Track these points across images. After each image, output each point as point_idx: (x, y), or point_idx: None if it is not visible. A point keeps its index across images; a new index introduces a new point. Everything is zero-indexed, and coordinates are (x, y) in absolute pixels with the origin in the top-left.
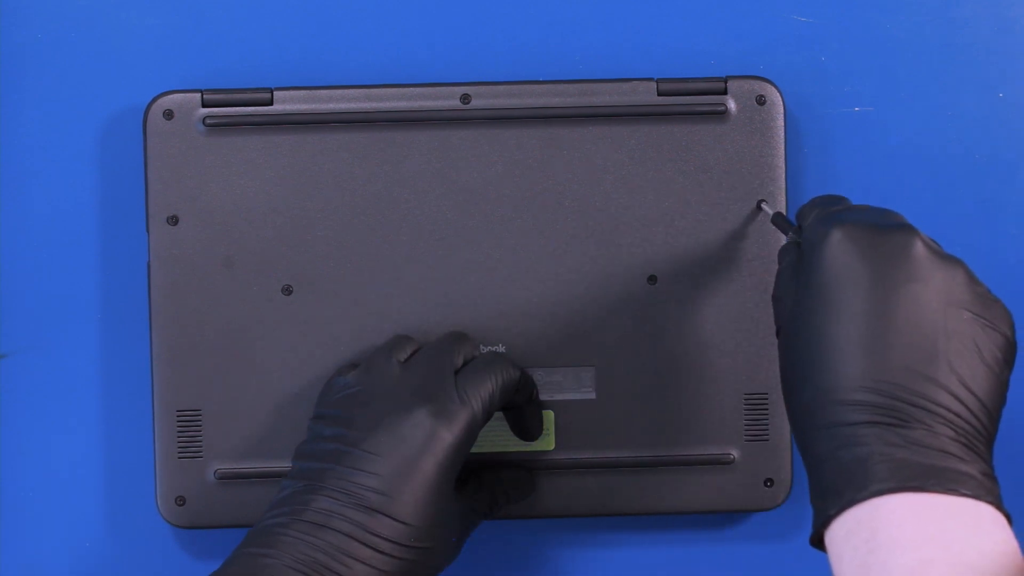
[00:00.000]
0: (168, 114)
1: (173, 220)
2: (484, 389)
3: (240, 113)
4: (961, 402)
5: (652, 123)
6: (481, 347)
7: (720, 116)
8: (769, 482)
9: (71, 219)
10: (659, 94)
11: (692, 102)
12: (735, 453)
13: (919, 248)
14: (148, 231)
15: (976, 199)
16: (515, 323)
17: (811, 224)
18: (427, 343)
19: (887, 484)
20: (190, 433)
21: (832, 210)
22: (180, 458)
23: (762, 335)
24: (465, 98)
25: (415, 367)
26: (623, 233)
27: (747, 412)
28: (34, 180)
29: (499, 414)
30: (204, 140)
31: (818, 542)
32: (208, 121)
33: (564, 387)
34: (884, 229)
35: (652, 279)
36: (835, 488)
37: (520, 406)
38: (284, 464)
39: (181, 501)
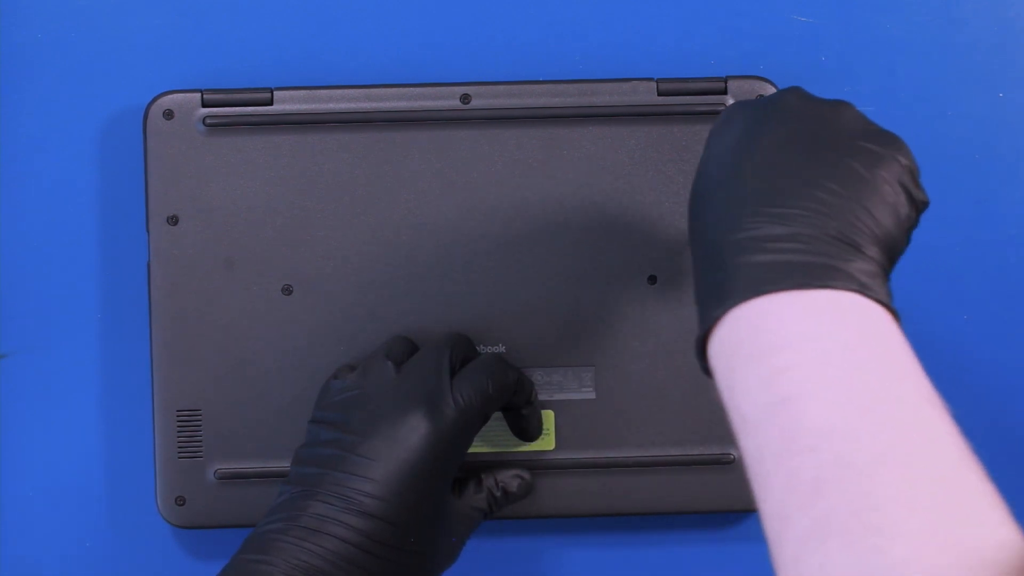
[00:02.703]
0: (168, 114)
1: (173, 220)
2: (481, 392)
3: (240, 113)
4: (846, 208)
5: (652, 123)
6: (481, 347)
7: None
8: None
9: (71, 219)
10: (659, 94)
11: (692, 102)
12: (735, 453)
13: (803, 94)
14: (148, 231)
15: (976, 199)
16: (515, 323)
17: None
18: (425, 344)
19: (742, 293)
20: (190, 433)
21: None
22: (180, 458)
23: None
24: (465, 98)
25: (412, 370)
26: (623, 233)
27: None
28: (34, 180)
29: (499, 414)
30: (204, 140)
31: (709, 373)
32: (208, 121)
33: (564, 387)
34: (770, 95)
35: (652, 279)
36: (706, 311)
37: (519, 407)
38: (284, 464)
39: (181, 501)
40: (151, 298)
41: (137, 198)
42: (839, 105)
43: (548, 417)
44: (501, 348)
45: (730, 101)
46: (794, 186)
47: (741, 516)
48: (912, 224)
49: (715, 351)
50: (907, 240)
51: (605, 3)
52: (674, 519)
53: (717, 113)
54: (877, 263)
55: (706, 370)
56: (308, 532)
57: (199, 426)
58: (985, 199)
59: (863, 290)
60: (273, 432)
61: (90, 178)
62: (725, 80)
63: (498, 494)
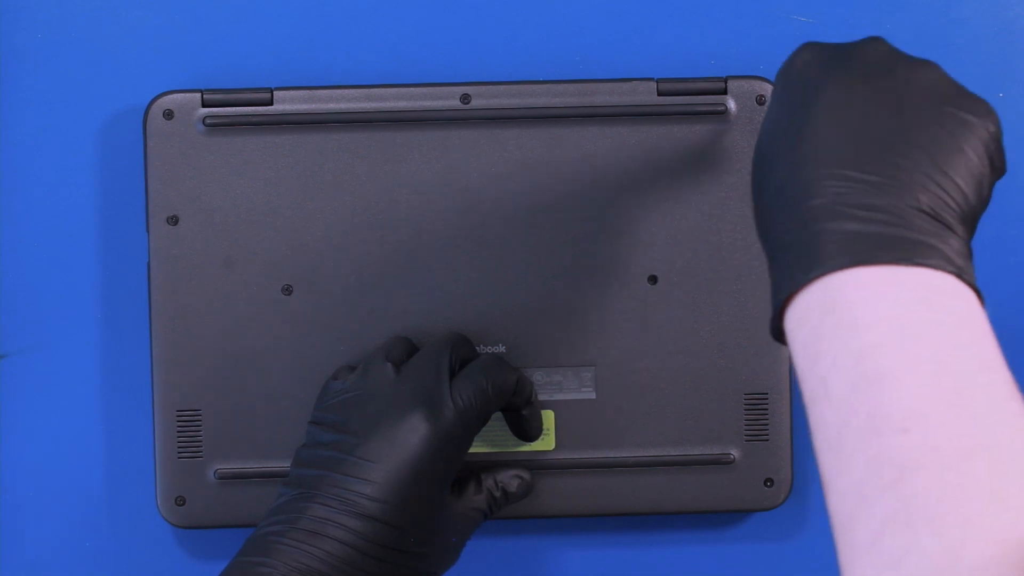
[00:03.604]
0: (168, 114)
1: (173, 220)
2: (480, 393)
3: (240, 113)
4: (935, 181)
5: (652, 123)
6: (480, 348)
7: (720, 116)
8: (769, 482)
9: (71, 219)
10: (659, 94)
11: (692, 102)
12: (735, 453)
13: (887, 48)
14: (148, 231)
15: None
16: (515, 323)
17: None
18: (424, 345)
19: (837, 261)
20: (190, 433)
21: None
22: (180, 458)
23: (762, 335)
24: (465, 98)
25: (411, 371)
26: (623, 233)
27: (747, 412)
28: (34, 180)
29: (499, 414)
30: (204, 140)
31: (780, 335)
32: (208, 121)
33: (564, 387)
34: (849, 43)
35: (652, 279)
36: (789, 273)
37: (519, 408)
38: (284, 464)
39: (181, 501)
40: (151, 298)
41: (137, 198)
42: (925, 64)
43: (548, 417)
44: (501, 348)
45: (730, 101)
46: (882, 151)
47: (741, 516)
48: (990, 190)
49: (798, 315)
50: (986, 205)
51: (605, 3)
52: (674, 519)
53: (717, 113)
54: (965, 242)
55: (777, 333)
56: (308, 534)
57: (199, 426)
58: None
59: (959, 273)
60: (273, 432)
61: (90, 178)
62: (725, 80)
63: (498, 494)
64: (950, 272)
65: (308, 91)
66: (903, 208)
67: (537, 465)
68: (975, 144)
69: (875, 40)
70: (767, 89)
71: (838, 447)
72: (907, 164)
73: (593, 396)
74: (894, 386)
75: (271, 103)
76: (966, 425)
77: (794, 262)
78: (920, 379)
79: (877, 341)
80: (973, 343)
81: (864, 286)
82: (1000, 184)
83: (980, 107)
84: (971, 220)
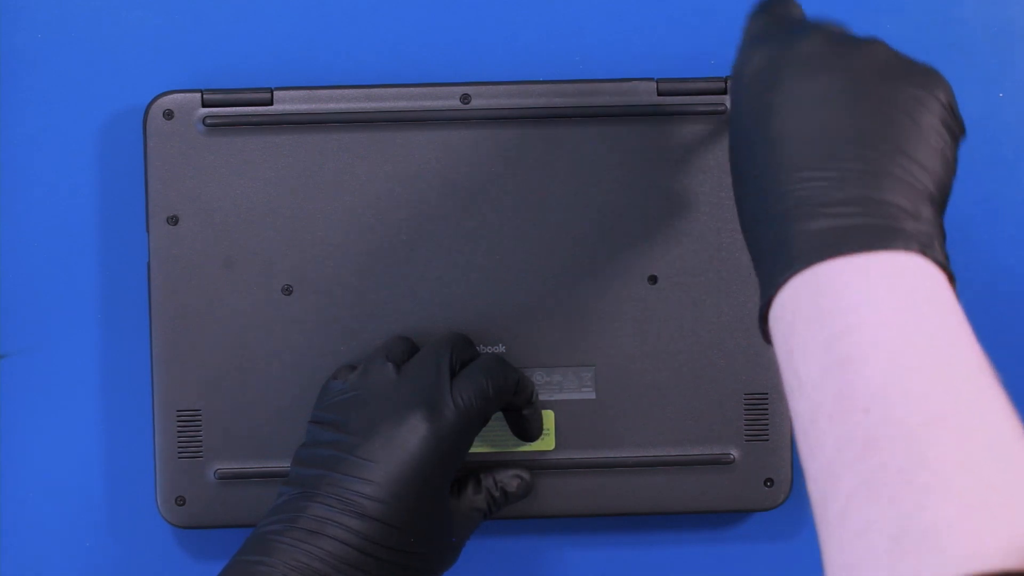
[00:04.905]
0: (168, 114)
1: (173, 220)
2: (481, 393)
3: (240, 113)
4: (899, 165)
5: (652, 123)
6: (480, 348)
7: (720, 116)
8: (769, 482)
9: (71, 219)
10: (659, 94)
11: (692, 102)
12: (735, 453)
13: (830, 33)
14: (148, 231)
15: (976, 199)
16: (515, 323)
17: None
18: (425, 345)
19: (806, 258)
20: (190, 433)
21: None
22: (180, 458)
23: None
24: (465, 98)
25: (411, 371)
26: (623, 233)
27: (747, 412)
28: (34, 180)
29: (499, 414)
30: (204, 140)
31: (768, 339)
32: (208, 121)
33: (564, 387)
34: (793, 35)
35: (652, 279)
36: (769, 276)
37: (519, 408)
38: (284, 464)
39: (181, 501)
40: (151, 298)
41: (137, 198)
42: (871, 44)
43: (548, 417)
44: (501, 348)
45: (730, 101)
46: (842, 145)
47: (741, 516)
48: (955, 158)
49: (776, 315)
50: (953, 175)
51: (605, 3)
52: (674, 519)
53: (717, 113)
54: (933, 220)
55: (765, 335)
56: (307, 534)
57: (199, 426)
58: (985, 199)
59: (923, 251)
60: (273, 432)
61: (90, 178)
62: (725, 80)
63: (497, 494)
64: (915, 251)
65: (308, 91)
66: (868, 197)
67: (537, 465)
68: (930, 119)
69: (817, 28)
70: None
71: (812, 432)
72: (870, 153)
73: (593, 396)
74: (858, 368)
75: (271, 103)
76: (927, 398)
77: (772, 264)
78: (883, 359)
79: (844, 327)
80: (938, 319)
81: (831, 277)
82: (1000, 184)
83: (929, 79)
84: (940, 195)
